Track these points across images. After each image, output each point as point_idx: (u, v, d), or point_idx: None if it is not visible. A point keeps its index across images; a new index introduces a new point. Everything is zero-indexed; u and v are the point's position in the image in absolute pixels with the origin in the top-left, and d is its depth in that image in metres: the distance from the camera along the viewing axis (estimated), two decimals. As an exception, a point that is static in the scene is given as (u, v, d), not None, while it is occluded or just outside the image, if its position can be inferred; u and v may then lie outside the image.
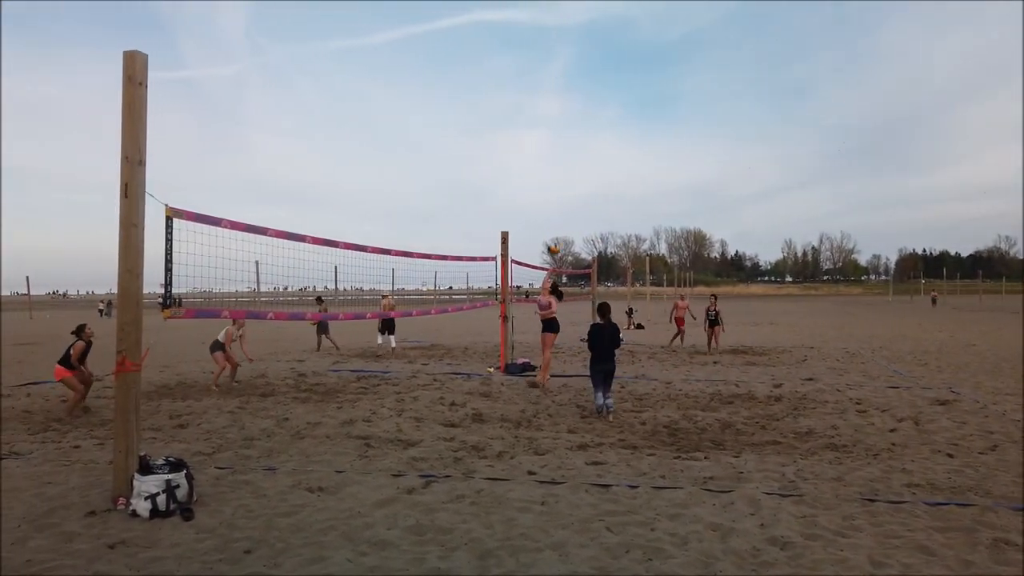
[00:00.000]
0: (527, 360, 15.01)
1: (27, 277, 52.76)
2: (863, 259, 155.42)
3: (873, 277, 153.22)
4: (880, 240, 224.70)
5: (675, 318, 20.46)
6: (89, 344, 10.06)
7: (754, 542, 4.57)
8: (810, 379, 12.61)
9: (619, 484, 5.94)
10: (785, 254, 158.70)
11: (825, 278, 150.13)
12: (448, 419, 9.04)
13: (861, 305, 63.98)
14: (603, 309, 9.72)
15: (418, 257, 12.42)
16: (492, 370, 14.30)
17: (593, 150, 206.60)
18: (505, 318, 14.91)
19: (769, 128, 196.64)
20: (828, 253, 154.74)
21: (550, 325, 12.46)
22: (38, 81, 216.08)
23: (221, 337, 12.21)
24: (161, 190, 5.76)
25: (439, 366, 15.35)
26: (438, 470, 6.51)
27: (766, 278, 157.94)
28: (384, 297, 18.20)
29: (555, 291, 12.80)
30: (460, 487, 5.91)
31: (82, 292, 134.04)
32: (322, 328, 19.39)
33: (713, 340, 18.31)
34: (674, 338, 20.41)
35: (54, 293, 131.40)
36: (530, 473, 6.36)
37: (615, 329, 9.47)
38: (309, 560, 4.38)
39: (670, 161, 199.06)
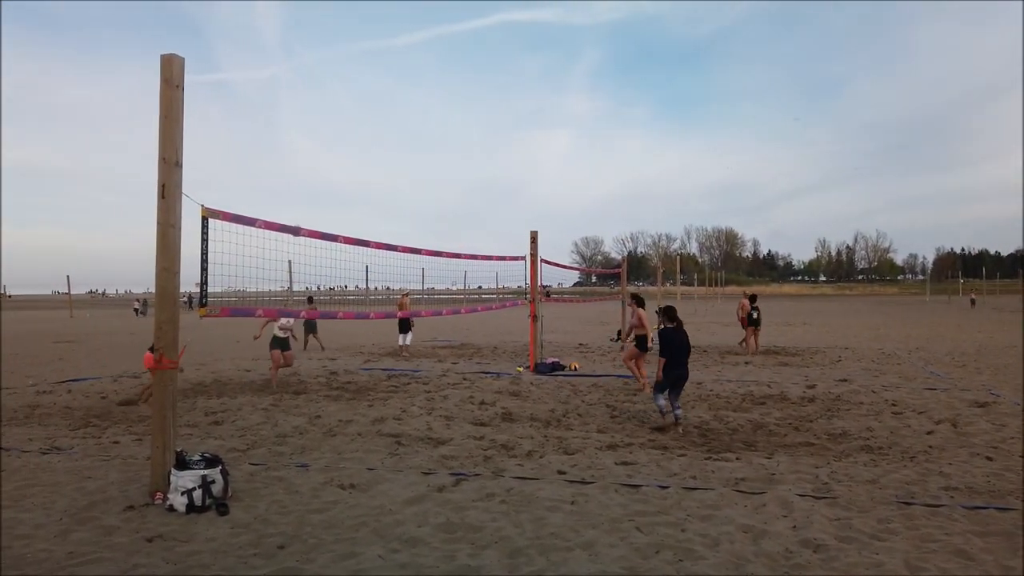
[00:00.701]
0: (556, 359, 15.00)
1: (67, 276, 54.03)
2: (899, 258, 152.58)
3: (909, 277, 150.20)
4: (917, 239, 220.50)
5: (741, 318, 18.98)
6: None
7: (787, 544, 4.52)
8: (844, 380, 12.42)
9: (649, 484, 5.92)
10: (819, 253, 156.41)
11: (860, 278, 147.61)
12: (478, 418, 9.08)
13: (897, 305, 62.84)
14: (671, 312, 8.86)
15: (448, 256, 12.48)
16: (522, 369, 14.32)
17: (622, 149, 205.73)
18: (535, 317, 14.91)
19: (800, 126, 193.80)
20: (863, 252, 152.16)
21: (642, 342, 11.55)
22: (78, 84, 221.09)
23: (279, 333, 12.28)
24: (196, 191, 5.87)
25: (469, 365, 15.41)
26: (468, 468, 6.55)
27: (799, 278, 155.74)
28: (403, 296, 18.27)
29: (639, 300, 11.75)
30: (490, 486, 5.94)
31: (120, 291, 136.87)
32: (310, 327, 20.02)
33: (753, 340, 17.65)
34: (744, 340, 18.93)
35: (93, 292, 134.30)
36: (560, 472, 6.36)
37: (686, 333, 8.83)
38: (341, 556, 4.44)
39: (700, 159, 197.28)
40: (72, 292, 56.54)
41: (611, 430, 8.33)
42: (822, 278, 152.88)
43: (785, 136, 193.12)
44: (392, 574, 4.15)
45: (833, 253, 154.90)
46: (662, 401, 8.46)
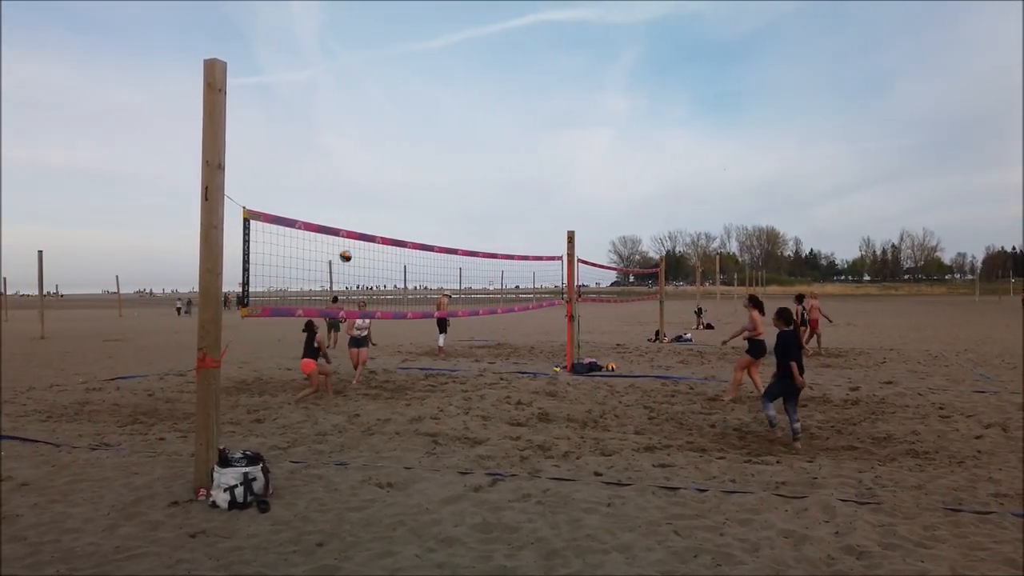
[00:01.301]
0: (593, 360, 14.93)
1: (116, 276, 55.47)
2: (947, 257, 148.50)
3: (958, 276, 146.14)
4: (965, 237, 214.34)
5: (812, 320, 17.96)
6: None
7: (829, 550, 4.43)
8: (889, 382, 12.14)
9: (687, 487, 5.85)
10: (863, 252, 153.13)
11: (906, 277, 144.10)
12: (514, 418, 9.09)
13: (945, 305, 61.19)
14: (786, 315, 8.20)
15: (484, 257, 12.52)
16: (558, 369, 14.29)
17: (660, 148, 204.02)
18: (572, 317, 14.86)
19: (844, 123, 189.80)
20: (909, 251, 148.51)
21: (757, 348, 10.61)
22: (124, 88, 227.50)
23: (356, 332, 12.44)
24: (238, 192, 5.98)
25: (505, 365, 15.43)
26: (504, 469, 6.55)
27: (843, 277, 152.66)
28: (442, 296, 18.34)
29: (757, 303, 10.70)
30: (526, 486, 5.93)
31: (167, 290, 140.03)
32: (333, 326, 20.29)
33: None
34: (809, 339, 17.58)
35: (141, 291, 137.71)
36: (596, 474, 6.33)
37: (799, 337, 8.23)
38: (378, 555, 4.48)
39: (741, 158, 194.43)
40: (121, 292, 58.04)
41: (648, 432, 8.27)
42: (866, 278, 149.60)
43: (829, 133, 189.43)
44: (429, 574, 4.18)
45: (878, 252, 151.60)
46: (772, 412, 7.90)
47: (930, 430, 8.17)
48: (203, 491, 5.66)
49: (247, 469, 5.61)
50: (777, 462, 6.73)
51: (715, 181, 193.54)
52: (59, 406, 10.30)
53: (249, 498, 5.51)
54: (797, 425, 7.53)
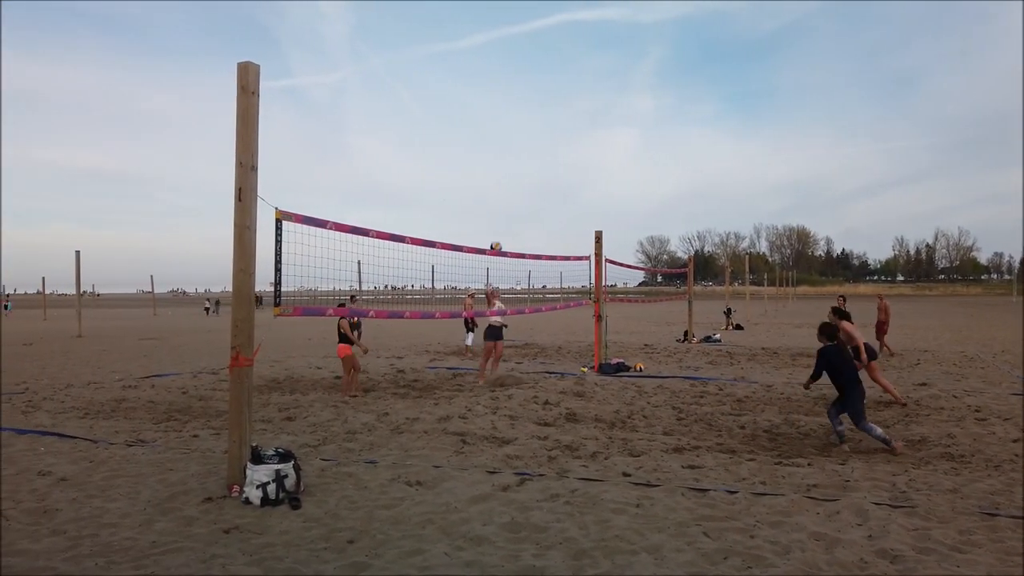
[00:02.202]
0: (621, 360, 14.88)
1: (151, 276, 56.50)
2: (983, 257, 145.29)
3: (995, 276, 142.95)
4: (1003, 236, 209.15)
5: (881, 321, 17.32)
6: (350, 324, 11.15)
7: (861, 554, 4.38)
8: (923, 384, 11.94)
9: (717, 489, 5.82)
10: (896, 252, 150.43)
11: (941, 277, 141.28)
12: (542, 418, 9.09)
13: (981, 306, 59.90)
14: (829, 330, 7.87)
15: (512, 257, 12.53)
16: (586, 370, 14.27)
17: (688, 147, 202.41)
18: (599, 317, 14.82)
19: (875, 120, 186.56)
20: (944, 251, 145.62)
21: (868, 353, 9.98)
22: (158, 91, 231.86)
23: (496, 322, 12.65)
24: (270, 193, 6.07)
25: (533, 365, 15.44)
26: (532, 468, 6.57)
27: (875, 277, 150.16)
28: (468, 296, 18.42)
29: (843, 315, 9.86)
30: (554, 486, 5.94)
31: (200, 290, 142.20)
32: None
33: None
34: (882, 345, 17.01)
35: (175, 291, 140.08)
36: (625, 475, 6.31)
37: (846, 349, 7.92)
38: (408, 552, 4.52)
39: (769, 157, 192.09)
40: (155, 291, 59.07)
41: (677, 432, 8.22)
42: (900, 278, 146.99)
43: (858, 131, 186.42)
44: (458, 572, 4.21)
45: (912, 252, 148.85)
46: (842, 427, 7.59)
47: (966, 433, 8.02)
48: (236, 488, 5.75)
49: (279, 466, 5.68)
50: (808, 464, 6.65)
51: (743, 180, 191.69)
52: (96, 403, 10.52)
53: (281, 495, 5.58)
54: (841, 428, 7.53)
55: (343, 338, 11.07)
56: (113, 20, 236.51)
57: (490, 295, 13.12)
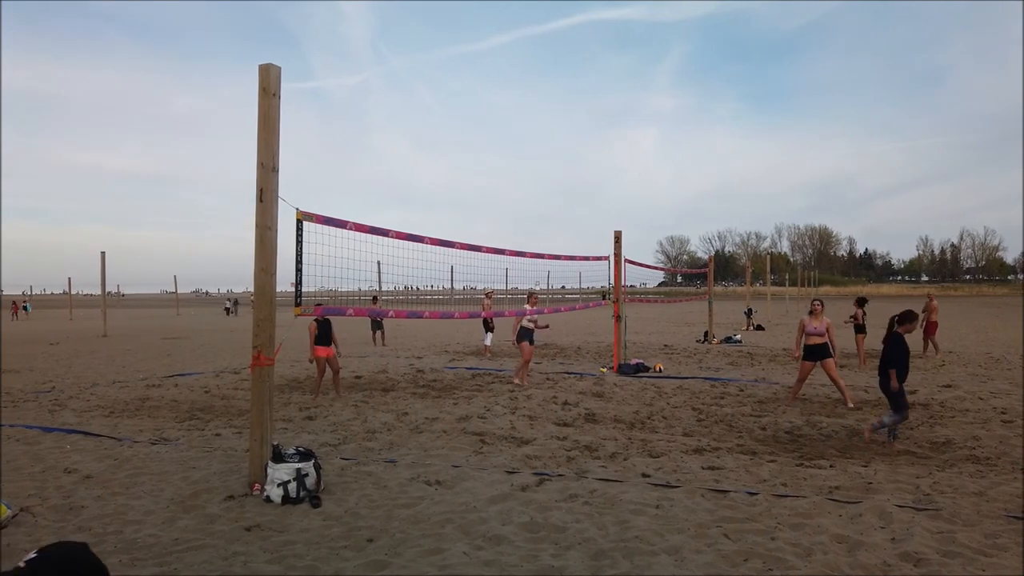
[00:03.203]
0: (640, 360, 14.82)
1: (174, 276, 57.15)
2: (1010, 257, 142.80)
3: (1021, 276, 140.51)
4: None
5: (931, 322, 16.91)
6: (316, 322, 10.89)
7: (884, 557, 4.33)
8: (948, 386, 11.76)
9: (737, 490, 5.77)
10: (920, 252, 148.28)
11: (966, 278, 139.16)
12: (561, 418, 9.08)
13: (1008, 307, 58.89)
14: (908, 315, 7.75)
15: (531, 257, 12.54)
16: (605, 370, 14.23)
17: (708, 146, 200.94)
18: (619, 318, 14.78)
19: (898, 119, 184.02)
20: (969, 251, 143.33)
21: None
22: (182, 94, 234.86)
23: (527, 324, 12.50)
24: (292, 194, 6.12)
25: (552, 365, 15.42)
26: (551, 469, 6.56)
27: (899, 277, 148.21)
28: (486, 296, 18.48)
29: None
30: (573, 486, 5.93)
31: (222, 290, 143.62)
32: (377, 325, 21.31)
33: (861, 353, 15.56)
34: (926, 347, 16.93)
35: (197, 291, 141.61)
36: (644, 475, 6.29)
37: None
38: (427, 551, 4.53)
39: (791, 156, 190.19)
40: (179, 291, 59.72)
41: (697, 434, 8.18)
42: (924, 278, 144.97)
43: (883, 129, 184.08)
44: (477, 572, 4.21)
45: (936, 252, 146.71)
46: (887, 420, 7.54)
47: (991, 435, 7.90)
48: (257, 486, 5.80)
49: (300, 465, 5.73)
50: (830, 466, 6.59)
51: (764, 180, 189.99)
52: (121, 402, 10.66)
53: (302, 494, 5.63)
54: (878, 421, 7.67)
55: (318, 340, 10.81)
56: (140, 24, 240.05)
57: (530, 297, 12.98)
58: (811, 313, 10.49)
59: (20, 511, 5.33)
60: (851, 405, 9.84)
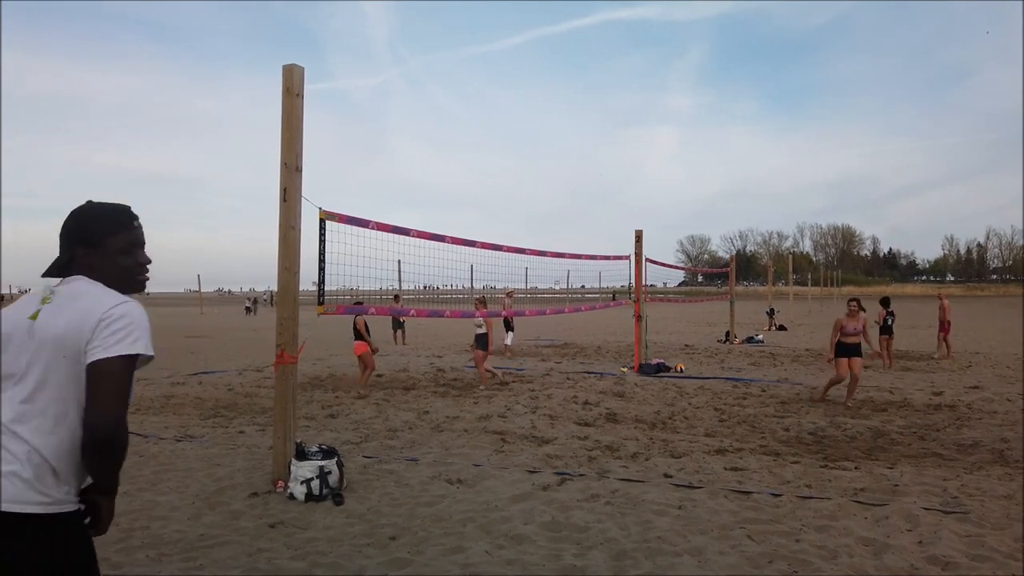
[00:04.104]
0: (661, 360, 14.75)
1: (198, 275, 57.77)
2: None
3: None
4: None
5: (943, 322, 16.95)
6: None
7: (911, 560, 4.27)
8: (975, 387, 11.59)
9: (761, 492, 5.73)
10: (946, 251, 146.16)
11: (993, 277, 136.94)
12: (582, 418, 9.07)
13: (1037, 307, 57.92)
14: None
15: (551, 256, 12.52)
16: (626, 370, 14.18)
17: (728, 145, 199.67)
18: (639, 317, 14.72)
19: (921, 117, 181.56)
20: (996, 250, 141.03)
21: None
22: (204, 95, 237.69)
23: (479, 329, 12.30)
24: (313, 193, 6.16)
25: (572, 365, 15.40)
26: (573, 468, 6.55)
27: (924, 277, 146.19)
28: (506, 295, 18.56)
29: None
30: (595, 486, 5.91)
31: (244, 289, 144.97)
32: (397, 324, 21.45)
33: (886, 351, 15.17)
34: (942, 345, 16.93)
35: (221, 290, 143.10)
36: (666, 476, 6.26)
37: None
38: (449, 550, 4.54)
39: (811, 155, 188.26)
40: (202, 290, 60.37)
41: (719, 434, 8.13)
42: (949, 278, 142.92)
43: (905, 128, 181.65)
44: (498, 571, 4.22)
45: (962, 251, 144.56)
46: None
47: (1019, 437, 7.77)
48: (281, 483, 5.85)
49: (323, 463, 5.77)
50: (855, 468, 6.51)
51: (785, 179, 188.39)
52: (146, 399, 10.80)
53: (325, 491, 5.66)
54: None
55: (358, 336, 11.05)
56: (158, 24, 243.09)
57: (480, 302, 12.61)
58: (848, 313, 10.39)
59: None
60: (849, 404, 9.90)
